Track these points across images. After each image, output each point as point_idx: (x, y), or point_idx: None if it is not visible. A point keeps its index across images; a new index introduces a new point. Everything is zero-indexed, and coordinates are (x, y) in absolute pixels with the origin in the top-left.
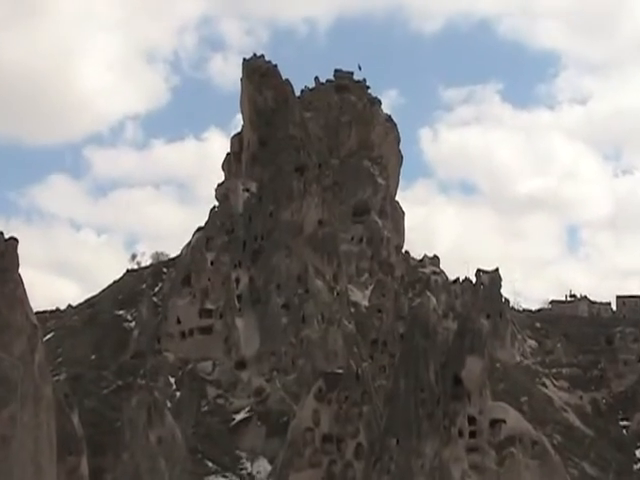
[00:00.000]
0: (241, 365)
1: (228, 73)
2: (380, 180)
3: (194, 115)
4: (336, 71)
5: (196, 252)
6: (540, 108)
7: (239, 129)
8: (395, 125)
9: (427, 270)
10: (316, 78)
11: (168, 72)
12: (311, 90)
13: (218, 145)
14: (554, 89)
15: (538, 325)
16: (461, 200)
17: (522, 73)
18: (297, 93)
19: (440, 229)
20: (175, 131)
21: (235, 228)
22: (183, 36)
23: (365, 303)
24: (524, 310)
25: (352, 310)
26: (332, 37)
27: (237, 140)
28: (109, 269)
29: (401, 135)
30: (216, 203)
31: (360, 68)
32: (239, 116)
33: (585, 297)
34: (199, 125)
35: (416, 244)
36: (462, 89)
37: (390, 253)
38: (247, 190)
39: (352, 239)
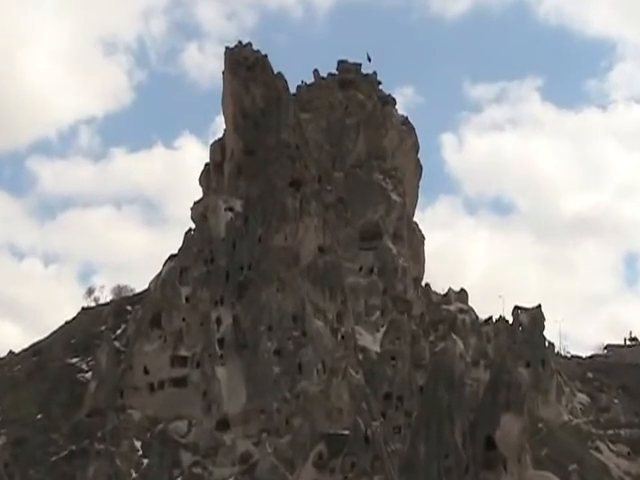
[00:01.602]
0: (223, 425)
1: (206, 66)
2: (394, 197)
3: (164, 118)
4: (340, 63)
5: (168, 286)
6: (590, 108)
7: (220, 135)
8: (413, 129)
9: (452, 307)
10: (315, 71)
11: (131, 65)
12: (309, 86)
13: (194, 155)
14: (607, 85)
15: (590, 375)
16: (493, 222)
17: (568, 66)
18: (292, 90)
19: (468, 257)
20: (140, 138)
21: (216, 256)
22: (149, 21)
23: (376, 348)
24: (573, 357)
25: (360, 357)
26: (334, 21)
27: (218, 148)
28: (59, 307)
29: (420, 142)
30: (192, 225)
31: (369, 59)
32: (220, 119)
33: None
34: (170, 130)
35: (439, 275)
36: (493, 85)
37: (407, 287)
38: (230, 209)
39: (360, 269)
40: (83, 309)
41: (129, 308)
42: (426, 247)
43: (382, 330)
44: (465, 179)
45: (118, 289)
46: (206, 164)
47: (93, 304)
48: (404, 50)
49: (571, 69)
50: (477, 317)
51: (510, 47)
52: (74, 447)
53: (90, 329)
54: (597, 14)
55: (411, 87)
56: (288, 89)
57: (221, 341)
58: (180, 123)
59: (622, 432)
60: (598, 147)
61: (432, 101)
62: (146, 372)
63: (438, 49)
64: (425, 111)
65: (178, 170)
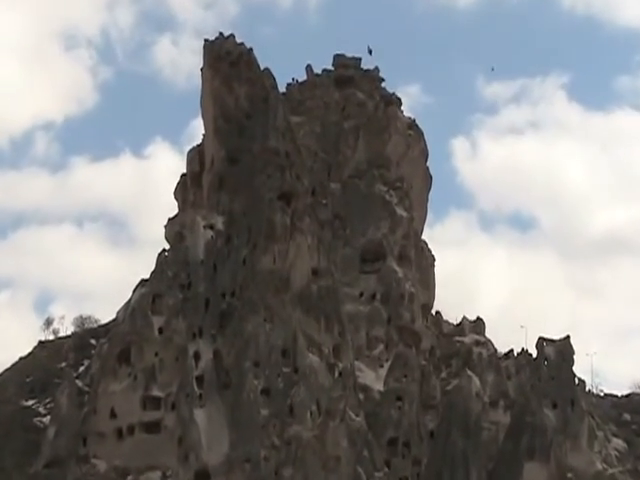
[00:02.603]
0: (203, 477)
1: (181, 62)
2: (400, 211)
3: (133, 122)
4: (336, 57)
5: (138, 316)
6: (622, 109)
7: (198, 141)
8: (420, 134)
9: (467, 339)
10: (308, 67)
11: (95, 62)
12: (301, 84)
13: (168, 164)
14: None
15: (627, 417)
16: (513, 239)
17: (597, 61)
18: (281, 89)
19: (484, 281)
20: (105, 145)
21: (194, 281)
22: (115, 11)
23: (379, 387)
24: (606, 396)
25: (361, 397)
26: (329, 10)
27: (196, 156)
28: (13, 341)
29: (429, 148)
30: (166, 246)
31: (370, 52)
32: (198, 122)
33: None
34: (140, 136)
35: (451, 302)
36: (512, 83)
37: (414, 315)
38: (211, 227)
39: (360, 296)
40: (40, 343)
41: (93, 342)
42: (436, 269)
43: (386, 366)
44: (480, 191)
45: (80, 320)
46: (182, 175)
47: (52, 337)
48: (410, 43)
49: (600, 64)
50: (495, 350)
51: (531, 39)
52: None
53: (48, 366)
54: (629, 3)
55: (418, 85)
56: (277, 88)
57: (200, 379)
58: (151, 128)
59: None
60: (632, 154)
61: (442, 101)
62: (113, 416)
63: (448, 42)
64: (434, 113)
65: (149, 182)
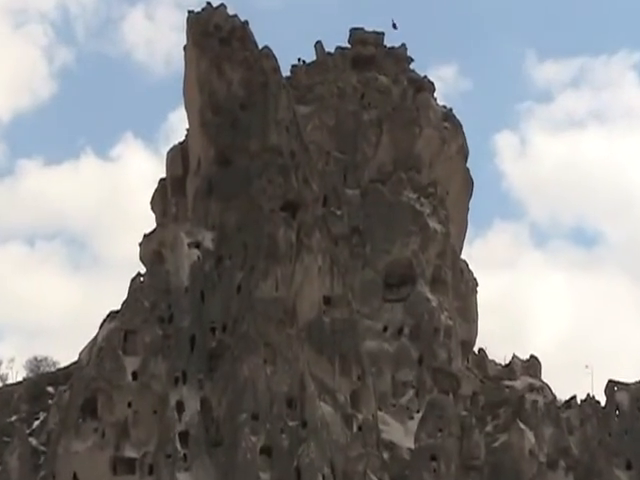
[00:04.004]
0: None
1: (158, 41)
2: (433, 224)
3: (96, 116)
4: (353, 32)
5: (106, 357)
6: None
7: (180, 138)
8: (458, 127)
9: (518, 383)
10: (318, 44)
11: (51, 43)
12: (309, 66)
13: (141, 167)
14: None
15: None
16: (574, 259)
17: None
18: (285, 72)
19: (539, 310)
20: (63, 145)
21: (176, 313)
22: None
23: (409, 444)
24: None
25: (385, 456)
26: None
27: (178, 157)
28: None
29: (468, 145)
30: (141, 269)
31: (395, 26)
32: (180, 115)
33: None
34: (105, 133)
35: (498, 337)
36: (569, 64)
37: (452, 354)
38: (197, 245)
39: (384, 330)
40: None
41: (50, 389)
42: (479, 296)
43: (417, 417)
44: (531, 198)
45: (34, 362)
46: (161, 180)
47: None
48: (443, 15)
49: None
50: (554, 397)
51: (592, 9)
52: None
53: None
54: None
55: (454, 67)
56: (279, 71)
57: (184, 436)
58: (120, 123)
59: None
60: None
61: (483, 86)
62: None
63: (490, 13)
64: (474, 101)
65: (118, 190)
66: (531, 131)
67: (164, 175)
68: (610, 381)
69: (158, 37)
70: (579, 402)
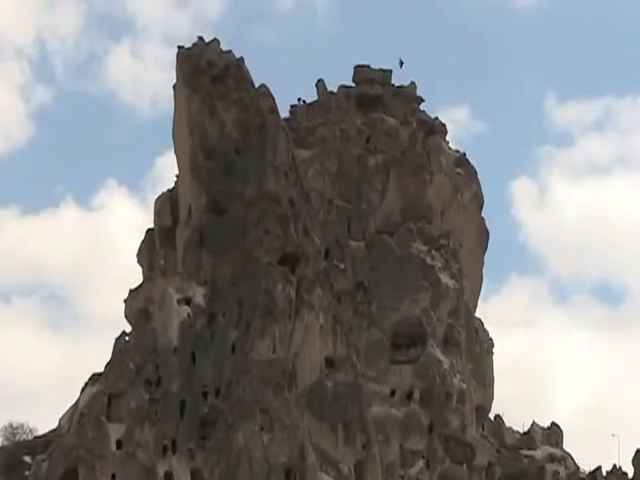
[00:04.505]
0: None
1: (144, 79)
2: (445, 279)
3: (78, 161)
4: (358, 70)
5: (88, 424)
6: None
7: (169, 184)
8: (473, 173)
9: (538, 453)
10: (320, 83)
11: (27, 81)
12: (311, 106)
13: (125, 217)
14: None
15: None
16: (598, 316)
17: None
18: (283, 113)
19: (561, 373)
20: (40, 193)
21: (164, 377)
22: (55, 11)
23: None
24: None
25: None
26: (345, 9)
27: (166, 206)
28: None
29: (483, 193)
30: (126, 328)
31: (402, 64)
32: (168, 160)
33: None
34: (87, 180)
35: (516, 403)
36: (592, 105)
37: (466, 421)
38: (187, 302)
39: (392, 394)
40: None
41: (27, 459)
42: (495, 358)
43: None
44: (551, 251)
45: (9, 429)
46: (148, 230)
47: None
48: (456, 52)
49: None
50: (577, 468)
51: (619, 47)
52: None
53: None
54: None
55: (467, 107)
56: (277, 111)
57: None
58: (103, 169)
59: None
60: None
61: (499, 129)
62: None
63: (507, 50)
64: (489, 144)
65: (101, 241)
66: (551, 178)
67: (151, 225)
68: (638, 450)
69: (145, 75)
70: (605, 473)
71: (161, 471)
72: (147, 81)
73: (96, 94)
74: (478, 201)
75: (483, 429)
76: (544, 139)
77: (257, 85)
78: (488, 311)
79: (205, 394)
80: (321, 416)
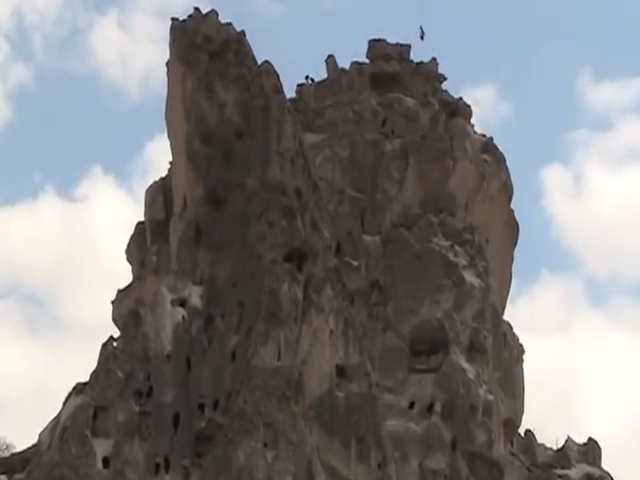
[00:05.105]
0: None
1: (134, 55)
2: (470, 278)
3: (59, 147)
4: (373, 44)
5: (72, 439)
6: None
7: (162, 172)
8: (501, 160)
9: (573, 472)
10: (329, 59)
11: (5, 59)
12: (320, 85)
13: (112, 209)
14: None
15: None
16: (637, 320)
17: None
18: (289, 92)
19: (598, 382)
20: (17, 182)
21: (156, 386)
22: None
23: None
24: None
25: None
26: None
27: (159, 196)
28: None
29: (512, 182)
30: (114, 332)
31: (423, 37)
32: (161, 146)
33: None
34: (69, 168)
35: (549, 416)
36: (632, 83)
37: (493, 436)
38: (182, 303)
39: (411, 407)
40: None
41: (3, 478)
42: (526, 366)
43: None
44: (587, 246)
45: None
46: (138, 224)
47: None
48: (481, 26)
49: None
50: None
51: None
52: None
53: None
54: None
55: (493, 87)
56: (282, 91)
57: None
58: (87, 155)
59: None
60: None
61: (529, 111)
62: None
63: (537, 24)
64: (518, 128)
65: (84, 236)
66: (586, 166)
67: (142, 218)
68: None
69: (134, 51)
70: None
71: None
72: (137, 58)
73: (80, 73)
74: (507, 191)
75: (512, 445)
76: (578, 123)
77: (260, 62)
78: (518, 313)
79: (202, 406)
80: (331, 431)
